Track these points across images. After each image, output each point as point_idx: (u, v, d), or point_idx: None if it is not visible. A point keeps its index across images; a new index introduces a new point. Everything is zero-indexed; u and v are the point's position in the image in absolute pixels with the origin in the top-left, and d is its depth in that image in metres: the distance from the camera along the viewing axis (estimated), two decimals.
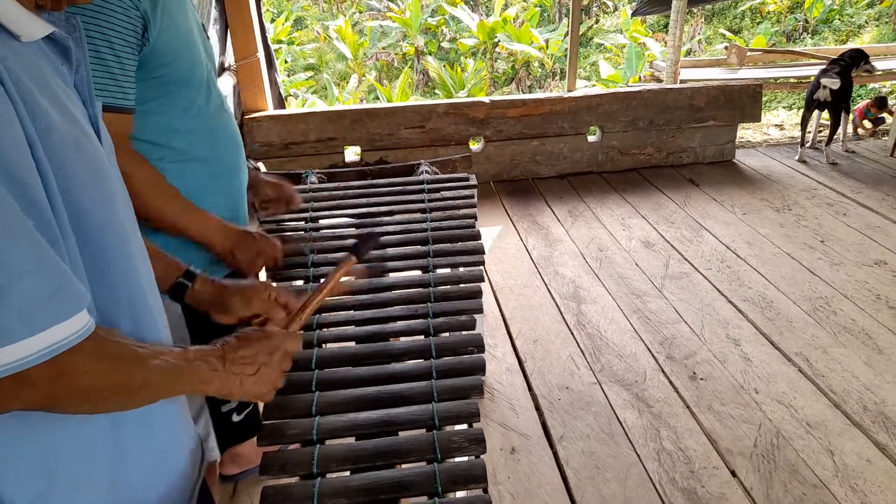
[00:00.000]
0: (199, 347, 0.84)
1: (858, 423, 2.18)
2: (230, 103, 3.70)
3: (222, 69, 3.69)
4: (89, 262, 0.68)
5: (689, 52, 12.68)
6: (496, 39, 12.62)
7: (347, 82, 12.03)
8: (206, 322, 1.10)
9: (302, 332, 1.06)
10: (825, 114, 4.83)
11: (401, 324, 1.40)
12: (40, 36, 0.64)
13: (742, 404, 2.29)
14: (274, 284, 1.16)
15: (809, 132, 5.06)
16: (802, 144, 4.95)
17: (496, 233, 3.75)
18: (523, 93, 12.00)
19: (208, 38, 1.46)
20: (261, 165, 3.67)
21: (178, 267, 1.10)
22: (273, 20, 12.75)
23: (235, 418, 1.73)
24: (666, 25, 12.82)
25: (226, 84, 3.61)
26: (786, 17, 13.78)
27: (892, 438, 2.11)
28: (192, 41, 1.30)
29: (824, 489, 1.93)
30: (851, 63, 4.77)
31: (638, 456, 2.07)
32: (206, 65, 1.37)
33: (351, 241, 1.34)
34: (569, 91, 4.61)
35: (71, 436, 0.70)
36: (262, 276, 1.56)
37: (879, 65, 6.55)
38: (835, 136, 4.85)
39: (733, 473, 1.99)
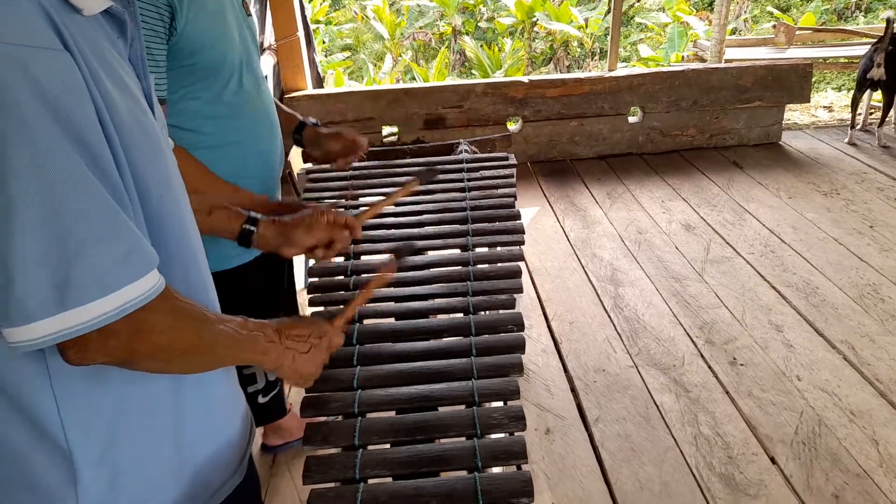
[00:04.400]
0: (258, 320, 0.87)
1: None
2: (270, 83, 3.74)
3: (262, 49, 3.72)
4: (149, 230, 0.70)
5: (734, 31, 12.29)
6: (534, 18, 12.42)
7: (384, 62, 12.02)
8: (235, 298, 1.12)
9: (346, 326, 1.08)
10: (877, 95, 4.64)
11: (440, 301, 1.41)
12: (100, 9, 0.66)
13: (783, 391, 2.25)
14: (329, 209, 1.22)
15: (860, 114, 4.88)
16: (853, 126, 4.77)
17: (533, 214, 3.72)
18: (562, 73, 11.82)
19: (250, 14, 1.46)
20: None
21: (239, 215, 1.14)
22: (311, 0, 12.77)
23: (261, 400, 1.76)
24: (710, 4, 12.46)
25: (266, 63, 3.65)
26: None
27: None
28: (224, 27, 1.28)
29: (868, 479, 1.88)
30: None
31: (675, 440, 2.05)
32: (243, 48, 1.36)
33: (392, 245, 1.36)
34: (610, 70, 4.52)
35: (135, 396, 0.73)
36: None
37: None
38: (888, 118, 4.67)
39: (773, 460, 1.96)
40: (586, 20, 12.44)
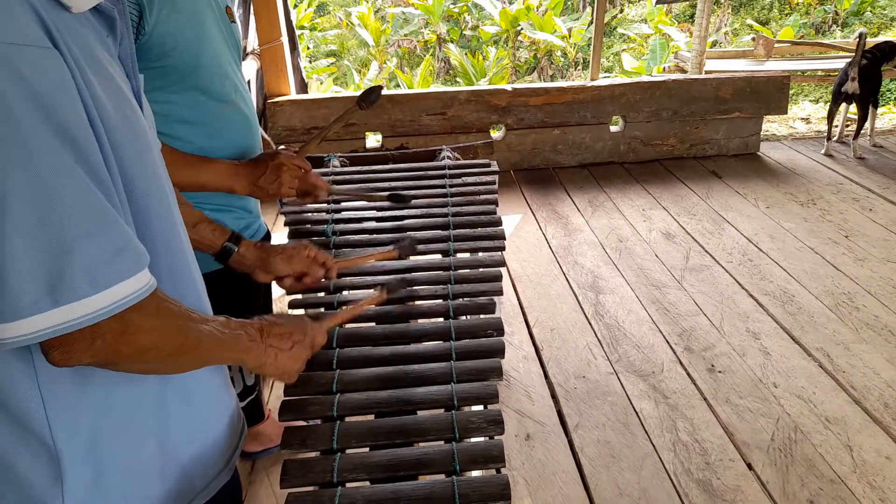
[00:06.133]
0: (241, 320, 0.87)
1: (879, 420, 2.15)
2: (253, 87, 3.73)
3: (245, 53, 3.71)
4: (136, 228, 0.70)
5: (714, 44, 12.48)
6: (519, 28, 12.52)
7: (368, 69, 12.03)
8: (222, 295, 1.12)
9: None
10: (853, 107, 4.74)
11: (421, 305, 1.41)
12: (89, 6, 0.66)
13: (760, 398, 2.27)
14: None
15: (836, 126, 4.98)
16: (829, 138, 4.86)
17: (515, 221, 3.74)
18: (545, 82, 11.91)
19: (234, 21, 1.45)
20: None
21: (223, 232, 1.15)
22: (296, 6, 12.75)
23: (240, 404, 1.74)
24: (692, 16, 12.62)
25: (249, 68, 3.63)
26: (815, 8, 13.50)
27: None
28: (200, 31, 1.27)
29: (842, 485, 1.91)
30: (882, 56, 4.66)
31: (653, 446, 2.07)
32: (222, 52, 1.35)
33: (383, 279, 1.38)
34: (592, 80, 4.57)
35: (121, 396, 0.73)
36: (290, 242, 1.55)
37: None
38: (862, 130, 4.76)
39: (749, 466, 1.99)
40: (570, 30, 12.56)
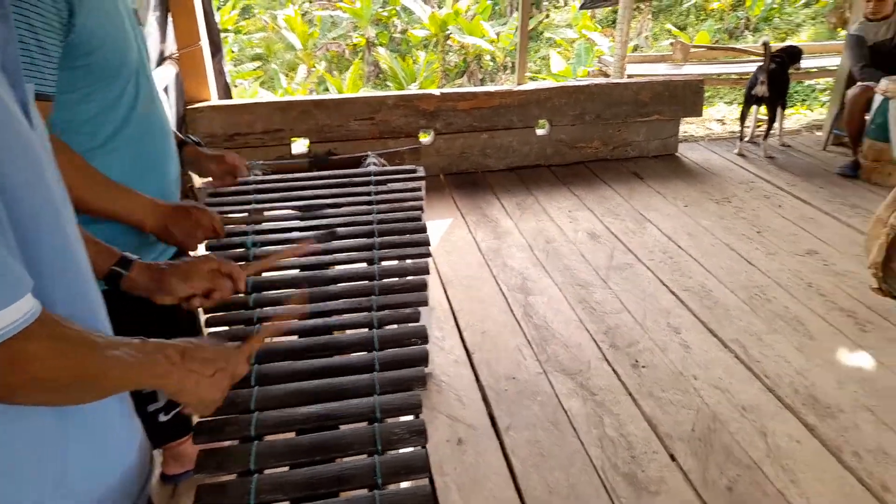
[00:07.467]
0: (159, 340, 0.82)
1: (790, 406, 2.28)
2: (172, 92, 3.60)
3: (162, 58, 3.57)
4: (21, 249, 0.65)
5: (636, 48, 12.93)
6: (448, 32, 12.61)
7: (296, 73, 11.84)
8: (131, 313, 1.08)
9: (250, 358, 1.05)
10: (763, 109, 5.01)
11: (345, 317, 1.39)
12: None
13: (681, 390, 2.37)
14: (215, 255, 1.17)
15: (748, 127, 5.24)
16: (741, 139, 5.12)
17: (446, 226, 3.76)
18: (475, 86, 12.04)
19: (140, 24, 1.41)
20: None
21: (111, 254, 1.08)
22: (219, 8, 12.42)
23: (162, 418, 1.68)
24: (614, 21, 13.04)
25: (167, 73, 3.51)
26: (728, 14, 14.19)
27: (820, 420, 2.21)
28: (121, 30, 1.25)
29: (757, 470, 2.01)
30: (789, 60, 4.94)
31: (581, 443, 2.12)
32: (138, 54, 1.32)
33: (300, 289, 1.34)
34: (518, 84, 4.65)
35: (15, 430, 0.68)
36: (202, 249, 1.52)
37: (814, 62, 6.83)
38: (772, 131, 5.03)
39: (672, 457, 2.06)
40: (498, 34, 12.74)
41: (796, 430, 2.18)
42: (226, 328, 1.34)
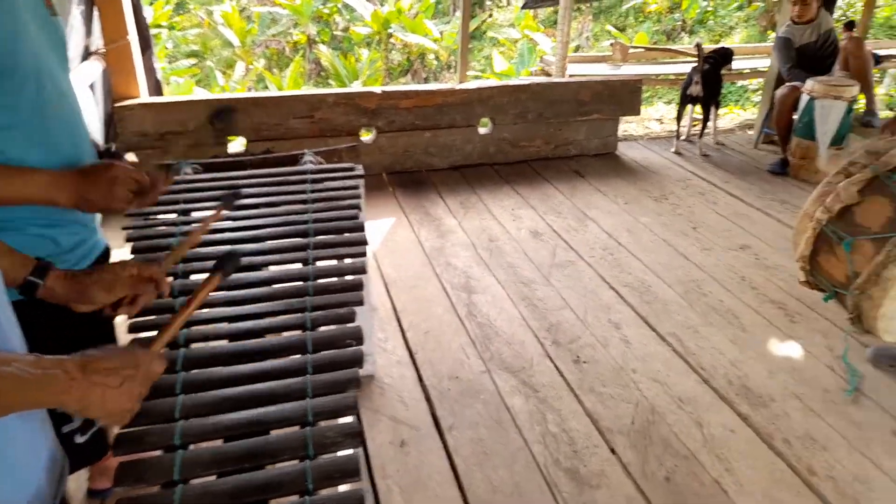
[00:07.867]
0: (56, 356, 0.76)
1: (724, 397, 2.34)
2: (98, 90, 3.45)
3: (87, 53, 3.42)
4: None
5: (577, 48, 13.17)
6: (390, 30, 12.54)
7: (234, 70, 11.56)
8: (46, 321, 1.02)
9: (166, 350, 1.00)
10: (698, 108, 5.16)
11: (277, 319, 1.35)
12: None
13: (621, 384, 2.40)
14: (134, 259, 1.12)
15: (684, 126, 5.39)
16: (678, 137, 5.26)
17: (389, 225, 3.72)
18: (417, 84, 12.01)
19: (55, 14, 1.32)
20: (130, 156, 3.45)
21: (26, 262, 1.02)
22: (151, 3, 12.00)
23: (79, 439, 1.58)
24: (556, 21, 13.24)
25: (92, 69, 3.35)
26: (666, 16, 14.61)
27: (752, 410, 2.28)
28: (14, 26, 1.13)
29: (693, 459, 2.06)
30: (722, 61, 5.11)
31: (524, 440, 2.12)
32: (43, 51, 1.22)
33: (215, 261, 1.25)
34: (460, 83, 4.65)
35: None
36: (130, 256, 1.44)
37: (746, 63, 7.08)
38: (706, 130, 5.20)
39: (612, 451, 2.09)
40: (441, 33, 12.74)
41: (730, 419, 2.24)
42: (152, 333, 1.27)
